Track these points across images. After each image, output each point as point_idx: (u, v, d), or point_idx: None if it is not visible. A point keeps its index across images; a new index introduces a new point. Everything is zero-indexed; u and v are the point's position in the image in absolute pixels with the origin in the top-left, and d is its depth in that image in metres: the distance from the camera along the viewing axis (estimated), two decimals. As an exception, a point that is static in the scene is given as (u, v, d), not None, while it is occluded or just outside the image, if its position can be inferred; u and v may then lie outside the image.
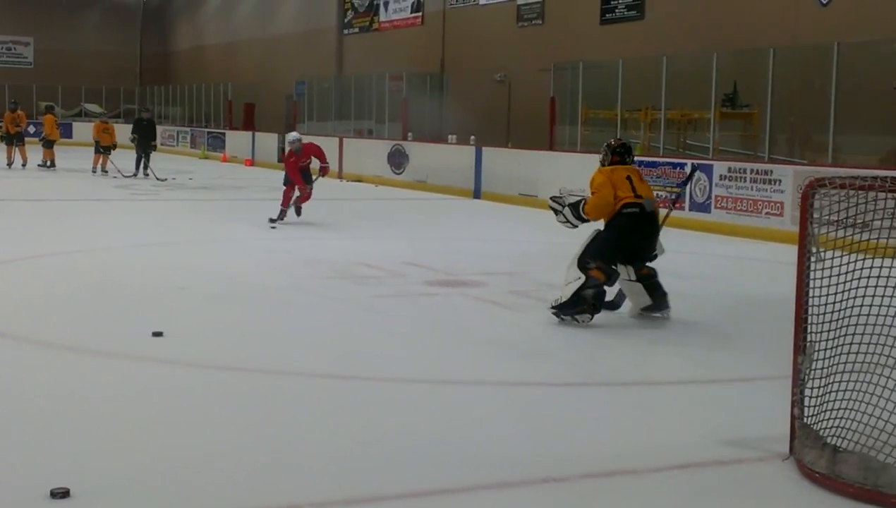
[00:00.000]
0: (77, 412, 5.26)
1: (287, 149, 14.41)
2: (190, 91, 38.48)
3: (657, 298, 7.60)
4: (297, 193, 14.27)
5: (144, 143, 23.24)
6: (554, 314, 7.45)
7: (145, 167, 22.91)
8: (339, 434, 4.94)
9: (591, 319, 7.38)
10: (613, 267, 7.45)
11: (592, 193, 7.64)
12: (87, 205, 17.40)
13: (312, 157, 14.48)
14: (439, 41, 26.69)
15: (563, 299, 7.38)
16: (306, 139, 14.96)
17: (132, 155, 23.40)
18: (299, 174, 14.19)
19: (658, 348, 6.98)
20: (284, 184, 14.34)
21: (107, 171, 23.24)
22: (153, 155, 23.74)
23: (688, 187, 9.67)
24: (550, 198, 8.17)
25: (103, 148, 23.43)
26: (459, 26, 26.07)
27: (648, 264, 7.64)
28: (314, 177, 14.57)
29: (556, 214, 7.99)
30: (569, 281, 7.38)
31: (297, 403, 5.52)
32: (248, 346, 6.86)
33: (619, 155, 7.76)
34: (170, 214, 16.24)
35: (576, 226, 7.90)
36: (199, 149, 34.22)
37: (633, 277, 7.61)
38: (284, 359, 6.49)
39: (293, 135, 14.76)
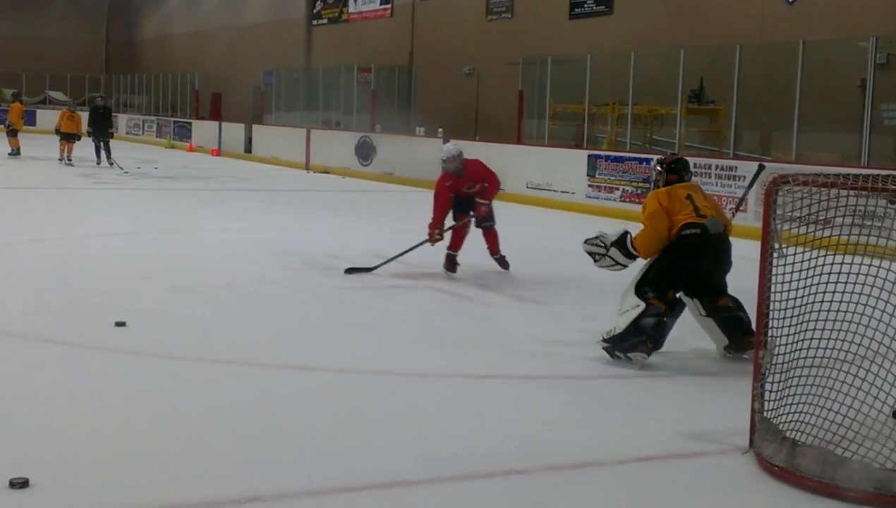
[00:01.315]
0: (38, 401, 5.21)
1: (442, 167, 9.76)
2: (156, 80, 38.17)
3: (735, 337, 6.34)
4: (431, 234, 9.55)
5: (101, 131, 22.99)
6: (606, 350, 6.27)
7: (108, 156, 22.69)
8: (303, 426, 4.94)
9: (648, 358, 6.20)
10: (674, 297, 6.34)
11: (644, 223, 6.39)
12: (51, 194, 17.24)
13: (480, 183, 9.77)
14: (408, 33, 26.64)
15: (618, 330, 6.21)
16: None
17: (90, 143, 23.16)
18: (450, 203, 9.52)
19: (622, 342, 7.01)
20: (455, 222, 9.67)
21: (71, 160, 23.01)
22: (116, 143, 23.51)
23: (754, 187, 7.87)
24: (585, 243, 6.70)
25: (66, 135, 23.17)
26: (429, 19, 26.04)
27: (729, 294, 6.44)
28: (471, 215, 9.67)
29: (597, 259, 6.66)
30: (625, 309, 6.25)
31: (262, 395, 5.50)
32: (213, 337, 6.83)
33: (675, 172, 6.53)
34: (135, 204, 16.11)
35: (625, 267, 6.60)
36: (164, 138, 33.96)
37: (703, 311, 6.41)
38: (249, 351, 6.46)
39: (451, 148, 9.85)
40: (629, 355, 6.16)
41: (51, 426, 4.81)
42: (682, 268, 6.25)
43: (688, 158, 7.34)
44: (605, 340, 6.29)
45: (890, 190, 4.17)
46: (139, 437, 4.69)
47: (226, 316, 7.60)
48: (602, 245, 6.56)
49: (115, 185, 18.74)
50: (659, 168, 6.60)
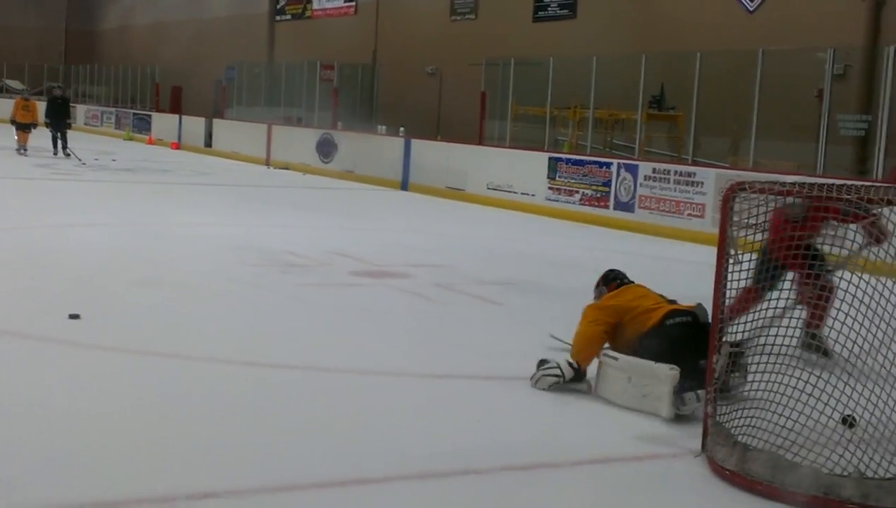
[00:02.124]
0: (-9, 395, 5.15)
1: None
2: (116, 71, 37.79)
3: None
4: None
5: (59, 122, 22.73)
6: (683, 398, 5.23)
7: (64, 147, 22.45)
8: (256, 423, 4.92)
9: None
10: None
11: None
12: (6, 184, 17.00)
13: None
14: (372, 32, 26.61)
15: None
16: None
17: (48, 133, 22.90)
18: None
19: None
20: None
21: (27, 150, 22.70)
22: (74, 134, 23.25)
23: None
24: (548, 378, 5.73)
25: (22, 125, 22.85)
26: (392, 18, 26.03)
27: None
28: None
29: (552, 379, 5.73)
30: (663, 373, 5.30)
31: (215, 390, 5.47)
32: (167, 332, 6.77)
33: (617, 280, 6.14)
34: (92, 196, 15.94)
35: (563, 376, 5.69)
36: (123, 130, 33.64)
37: None
38: (203, 346, 6.42)
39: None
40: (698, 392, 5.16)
41: (9, 422, 4.74)
42: (672, 357, 5.33)
43: (647, 163, 7.14)
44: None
45: (844, 200, 4.24)
46: (91, 432, 4.64)
47: (183, 311, 7.54)
48: (558, 374, 5.69)
49: (72, 177, 18.53)
50: (600, 282, 6.22)
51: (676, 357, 5.35)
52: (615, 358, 5.46)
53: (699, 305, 5.62)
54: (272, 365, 6.07)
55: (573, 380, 5.65)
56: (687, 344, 5.41)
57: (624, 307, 5.74)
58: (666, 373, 5.18)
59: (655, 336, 5.54)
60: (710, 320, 5.31)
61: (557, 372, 5.66)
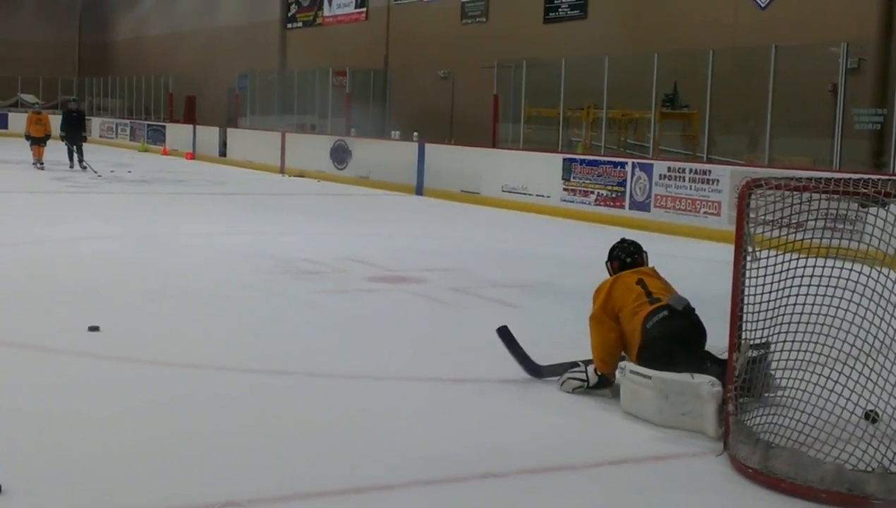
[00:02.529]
0: (9, 406, 5.16)
1: None
2: (130, 82, 37.96)
3: None
4: None
5: (74, 135, 22.86)
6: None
7: (80, 160, 22.56)
8: (276, 430, 4.91)
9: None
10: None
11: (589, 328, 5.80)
12: (23, 198, 17.08)
13: None
14: (383, 37, 26.63)
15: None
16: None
17: (63, 147, 23.02)
18: None
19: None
20: None
21: (43, 164, 22.82)
22: (89, 146, 23.36)
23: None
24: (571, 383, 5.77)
25: (36, 139, 22.95)
26: (404, 22, 26.05)
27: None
28: None
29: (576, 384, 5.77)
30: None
31: (233, 398, 5.47)
32: (186, 342, 6.78)
33: (618, 260, 6.00)
34: (108, 208, 16.00)
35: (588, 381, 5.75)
36: (138, 141, 33.78)
37: None
38: (222, 355, 6.43)
39: None
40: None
41: (22, 430, 4.76)
42: (666, 365, 5.25)
43: (662, 162, 7.03)
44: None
45: (861, 193, 4.20)
46: (112, 442, 4.65)
47: (199, 320, 7.55)
48: (583, 379, 5.73)
49: (88, 189, 18.61)
50: (608, 255, 6.10)
51: (671, 352, 5.31)
52: (647, 377, 5.23)
53: (672, 296, 5.59)
54: (288, 372, 6.07)
55: (597, 387, 5.67)
56: (676, 336, 5.41)
57: (613, 312, 5.67)
58: (709, 391, 4.96)
59: (647, 347, 5.46)
60: (688, 305, 5.53)
61: (583, 377, 5.71)
